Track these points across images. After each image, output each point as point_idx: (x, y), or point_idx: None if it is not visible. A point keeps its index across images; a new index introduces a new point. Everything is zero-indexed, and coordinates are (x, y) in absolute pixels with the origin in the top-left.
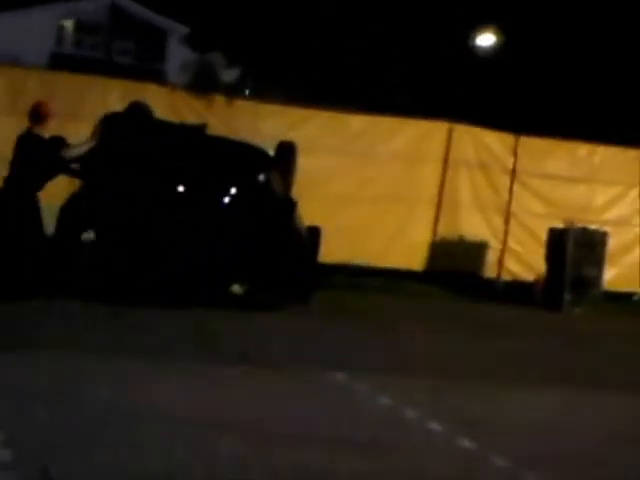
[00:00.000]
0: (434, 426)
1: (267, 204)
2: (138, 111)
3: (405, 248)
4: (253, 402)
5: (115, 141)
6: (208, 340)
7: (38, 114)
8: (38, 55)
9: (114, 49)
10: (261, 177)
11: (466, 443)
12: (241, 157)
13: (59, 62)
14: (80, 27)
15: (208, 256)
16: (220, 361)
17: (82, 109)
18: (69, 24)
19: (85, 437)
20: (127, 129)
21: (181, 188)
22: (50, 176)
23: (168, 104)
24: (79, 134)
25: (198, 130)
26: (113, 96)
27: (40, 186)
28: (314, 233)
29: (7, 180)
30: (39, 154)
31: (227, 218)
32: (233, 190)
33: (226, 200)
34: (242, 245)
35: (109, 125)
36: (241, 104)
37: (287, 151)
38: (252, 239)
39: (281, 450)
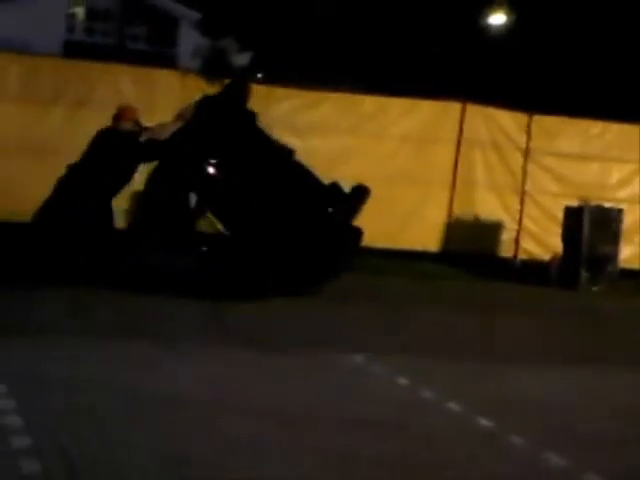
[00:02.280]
0: (452, 406)
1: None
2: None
3: (420, 229)
4: (269, 386)
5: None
6: (223, 324)
7: (122, 117)
8: (50, 43)
9: (125, 35)
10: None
11: (484, 423)
12: (318, 192)
13: (71, 50)
14: (91, 14)
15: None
16: (235, 345)
17: (94, 96)
18: (80, 11)
19: (103, 421)
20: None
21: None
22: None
23: (180, 89)
24: (91, 121)
25: (289, 153)
26: (125, 82)
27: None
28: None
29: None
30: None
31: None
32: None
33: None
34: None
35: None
36: (254, 88)
37: (361, 193)
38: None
39: (299, 433)
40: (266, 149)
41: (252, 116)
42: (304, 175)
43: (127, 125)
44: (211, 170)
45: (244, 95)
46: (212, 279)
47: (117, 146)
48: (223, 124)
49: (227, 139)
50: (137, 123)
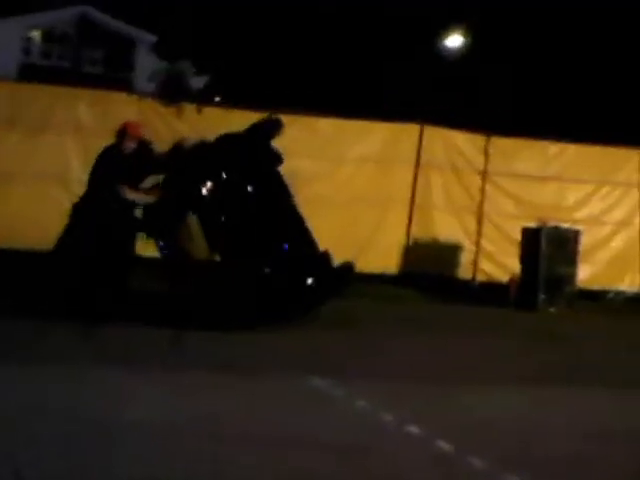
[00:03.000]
0: (412, 429)
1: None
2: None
3: (379, 251)
4: (233, 408)
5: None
6: (188, 349)
7: (125, 134)
8: (6, 66)
9: (82, 59)
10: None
11: (443, 445)
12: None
13: (27, 73)
14: (47, 37)
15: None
16: (201, 369)
17: (51, 120)
18: (36, 35)
19: (67, 448)
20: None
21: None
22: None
23: (137, 113)
24: (48, 145)
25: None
26: (82, 106)
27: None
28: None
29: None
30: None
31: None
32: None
33: None
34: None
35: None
36: (211, 111)
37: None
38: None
39: (260, 454)
40: (274, 189)
41: (276, 158)
42: (301, 222)
43: (132, 144)
44: (211, 193)
45: (272, 134)
46: (202, 308)
47: (121, 166)
48: (243, 161)
49: (243, 171)
50: (142, 141)
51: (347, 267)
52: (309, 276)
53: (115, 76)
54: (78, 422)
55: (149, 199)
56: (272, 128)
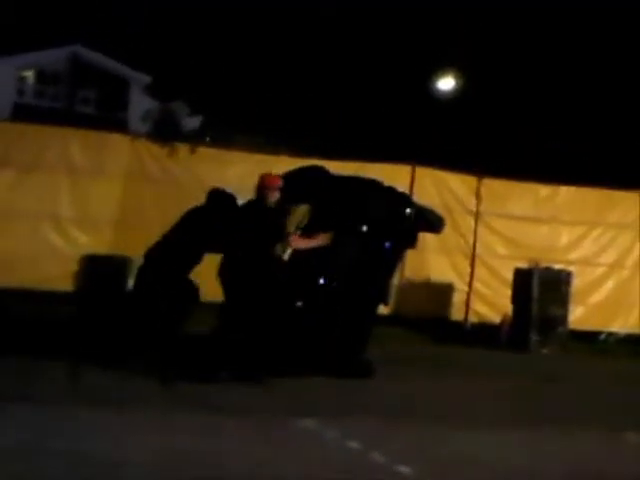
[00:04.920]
0: (403, 469)
1: None
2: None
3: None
4: (220, 450)
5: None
6: (169, 388)
7: (266, 187)
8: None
9: (76, 99)
10: None
11: None
12: None
13: (21, 113)
14: (41, 77)
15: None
16: (186, 409)
17: (43, 160)
18: (30, 75)
19: None
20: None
21: None
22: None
23: (131, 153)
24: (40, 184)
25: None
26: (74, 146)
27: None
28: None
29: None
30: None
31: None
32: None
33: None
34: None
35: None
36: (204, 151)
37: None
38: None
39: None
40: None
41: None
42: None
43: (277, 194)
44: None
45: None
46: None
47: (271, 221)
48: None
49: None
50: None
51: None
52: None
53: (108, 116)
54: (62, 460)
55: (321, 242)
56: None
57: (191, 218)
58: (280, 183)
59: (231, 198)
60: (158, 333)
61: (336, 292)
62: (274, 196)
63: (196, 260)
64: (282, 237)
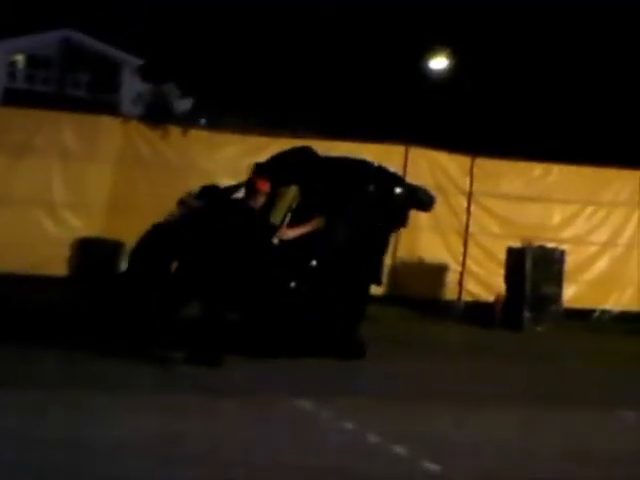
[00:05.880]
0: (399, 450)
1: None
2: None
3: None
4: (219, 432)
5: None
6: (169, 371)
7: (255, 191)
8: None
9: (67, 82)
10: None
11: (430, 466)
12: None
13: (12, 97)
14: (32, 62)
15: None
16: (185, 392)
17: (35, 144)
18: (20, 59)
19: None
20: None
21: None
22: None
23: (122, 135)
24: (32, 168)
25: None
26: (66, 130)
27: None
28: None
29: None
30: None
31: None
32: None
33: None
34: None
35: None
36: (196, 134)
37: None
38: None
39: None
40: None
41: None
42: None
43: (262, 199)
44: None
45: None
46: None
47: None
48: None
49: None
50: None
51: None
52: None
53: (100, 99)
54: (58, 444)
55: (312, 228)
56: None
57: (183, 211)
58: (268, 189)
59: (224, 194)
60: (152, 316)
61: (328, 273)
62: (260, 200)
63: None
64: (268, 236)
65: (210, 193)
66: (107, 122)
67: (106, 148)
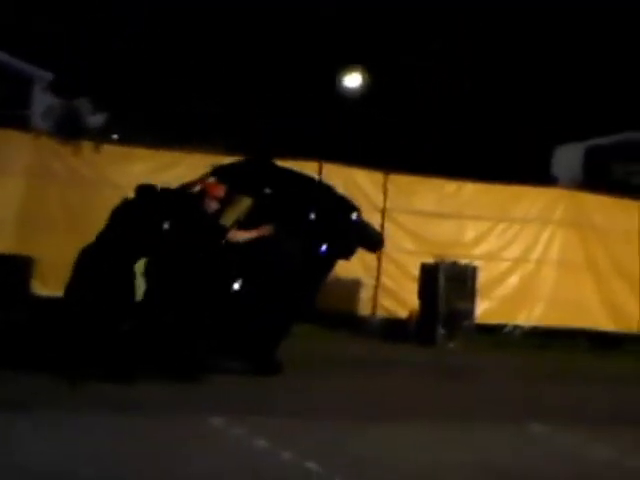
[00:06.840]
0: (311, 466)
1: None
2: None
3: None
4: (124, 450)
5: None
6: (76, 389)
7: (206, 196)
8: None
9: None
10: None
11: None
12: None
13: None
14: None
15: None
16: (99, 411)
17: None
18: None
19: None
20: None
21: None
22: None
23: (33, 151)
24: None
25: None
26: None
27: None
28: None
29: None
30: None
31: None
32: None
33: None
34: None
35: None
36: (109, 149)
37: None
38: None
39: None
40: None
41: None
42: None
43: (214, 204)
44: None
45: None
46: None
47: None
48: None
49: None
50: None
51: None
52: None
53: (10, 114)
54: None
55: (260, 234)
56: None
57: (123, 214)
58: (222, 195)
59: (162, 194)
60: (96, 334)
61: (258, 290)
62: (212, 206)
63: (136, 255)
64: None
65: (149, 194)
66: (16, 136)
67: (16, 163)
